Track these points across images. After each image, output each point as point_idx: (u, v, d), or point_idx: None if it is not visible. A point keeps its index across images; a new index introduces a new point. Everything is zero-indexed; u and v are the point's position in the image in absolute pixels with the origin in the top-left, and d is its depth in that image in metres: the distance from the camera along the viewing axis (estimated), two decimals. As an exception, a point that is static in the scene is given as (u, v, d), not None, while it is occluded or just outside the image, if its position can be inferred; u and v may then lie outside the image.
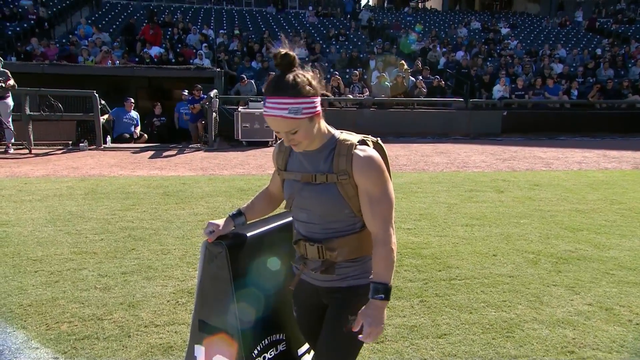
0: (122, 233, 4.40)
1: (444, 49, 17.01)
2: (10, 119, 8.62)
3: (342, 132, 1.62)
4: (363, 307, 1.50)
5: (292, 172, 1.63)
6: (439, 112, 13.05)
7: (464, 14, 24.95)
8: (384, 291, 1.48)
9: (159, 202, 5.53)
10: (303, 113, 1.44)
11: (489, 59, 16.71)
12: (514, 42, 18.51)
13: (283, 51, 1.45)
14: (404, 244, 4.30)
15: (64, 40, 14.99)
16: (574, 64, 16.58)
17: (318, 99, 1.49)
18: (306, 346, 2.00)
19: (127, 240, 4.23)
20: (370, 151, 1.53)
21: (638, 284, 3.54)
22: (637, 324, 2.97)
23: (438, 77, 13.89)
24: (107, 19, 18.04)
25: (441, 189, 6.59)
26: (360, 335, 1.48)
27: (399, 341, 2.75)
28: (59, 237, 4.25)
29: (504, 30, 20.45)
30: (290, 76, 1.44)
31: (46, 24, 15.78)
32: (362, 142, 1.56)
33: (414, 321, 2.97)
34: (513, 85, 13.95)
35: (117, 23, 17.72)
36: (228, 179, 6.93)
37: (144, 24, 15.99)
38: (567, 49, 18.34)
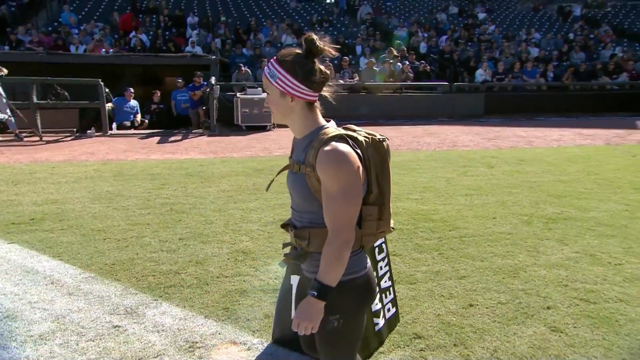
0: (164, 208, 4.89)
1: (425, 34, 17.60)
2: (7, 108, 8.73)
3: (332, 126, 1.61)
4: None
5: (290, 158, 1.70)
6: (426, 96, 13.73)
7: (442, -1, 25.54)
8: (318, 289, 1.49)
9: (185, 181, 6.00)
10: (276, 82, 1.53)
11: (469, 43, 17.40)
12: (492, 27, 19.24)
13: (310, 37, 1.55)
14: (415, 211, 4.93)
15: (49, 29, 14.99)
16: (549, 48, 17.43)
17: (303, 88, 1.53)
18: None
19: (171, 213, 4.72)
20: (340, 147, 1.49)
21: (614, 237, 4.25)
22: (615, 265, 3.67)
23: (423, 62, 14.52)
24: (88, 6, 17.93)
25: (437, 165, 7.24)
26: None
27: (427, 282, 3.37)
28: (109, 212, 4.71)
29: (481, 15, 21.16)
30: (296, 50, 1.56)
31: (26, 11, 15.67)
32: (340, 138, 1.53)
33: (437, 268, 3.60)
34: (493, 70, 14.70)
35: (100, 11, 17.65)
36: (241, 161, 7.42)
37: (126, 12, 16.03)
38: (541, 33, 19.18)
